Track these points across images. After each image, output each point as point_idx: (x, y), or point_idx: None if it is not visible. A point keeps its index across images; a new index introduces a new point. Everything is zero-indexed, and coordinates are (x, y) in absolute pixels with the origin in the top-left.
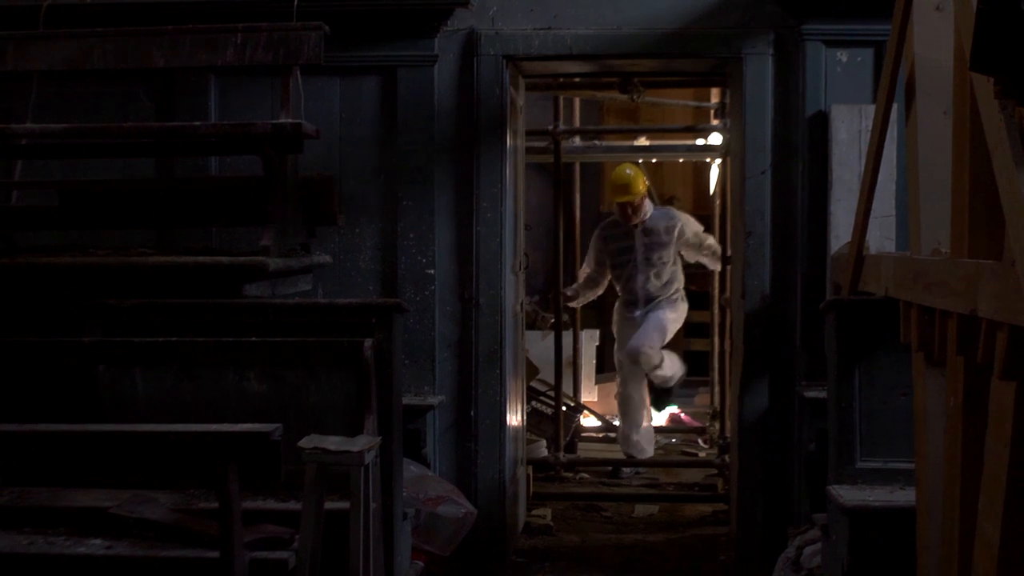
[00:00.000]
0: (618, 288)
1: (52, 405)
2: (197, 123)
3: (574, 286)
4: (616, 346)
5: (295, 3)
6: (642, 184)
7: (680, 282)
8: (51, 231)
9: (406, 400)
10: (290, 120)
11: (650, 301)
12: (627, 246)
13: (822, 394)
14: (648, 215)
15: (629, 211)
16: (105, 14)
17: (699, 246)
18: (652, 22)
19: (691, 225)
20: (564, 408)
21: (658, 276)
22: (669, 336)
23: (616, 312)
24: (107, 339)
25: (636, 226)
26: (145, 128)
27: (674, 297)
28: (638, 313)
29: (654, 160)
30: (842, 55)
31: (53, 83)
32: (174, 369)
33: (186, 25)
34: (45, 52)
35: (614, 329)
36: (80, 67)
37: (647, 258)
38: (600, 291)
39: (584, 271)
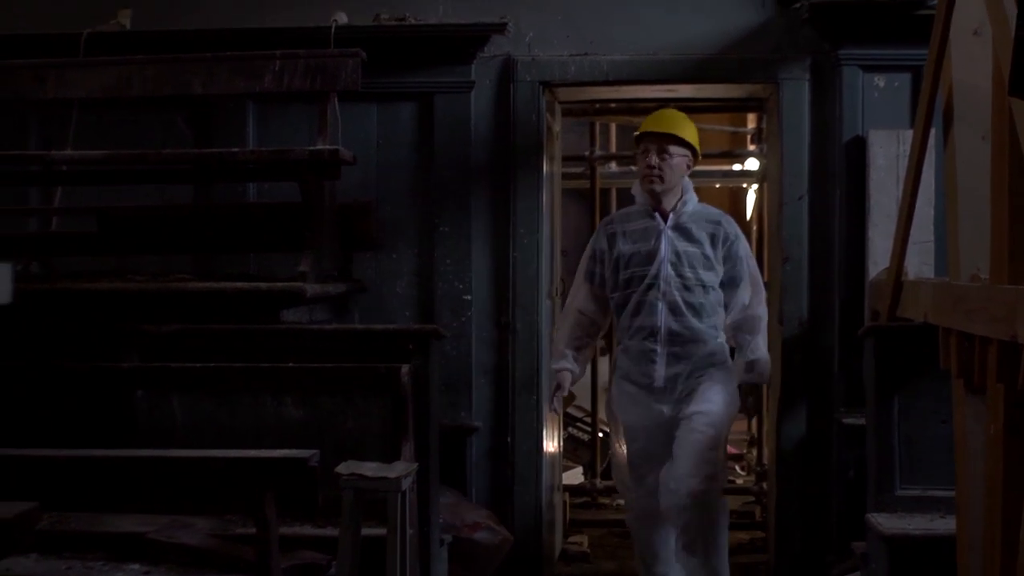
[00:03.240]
0: (619, 330)
1: (91, 430)
2: (235, 150)
3: (557, 343)
4: (613, 457)
5: (332, 30)
6: (691, 133)
7: (720, 319)
8: (90, 256)
9: (443, 426)
10: (327, 147)
11: (676, 348)
12: (645, 249)
13: (861, 421)
14: (687, 203)
15: (656, 164)
16: (144, 42)
17: (743, 305)
18: (688, 48)
19: (745, 249)
20: (600, 434)
21: (691, 305)
22: (725, 436)
23: (614, 384)
24: (145, 364)
25: (661, 209)
26: (184, 155)
27: (714, 351)
28: (658, 380)
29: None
30: (879, 80)
31: (93, 110)
32: (212, 395)
33: (224, 52)
34: (85, 80)
35: (611, 412)
36: (120, 95)
37: (676, 271)
38: (596, 340)
39: (568, 315)
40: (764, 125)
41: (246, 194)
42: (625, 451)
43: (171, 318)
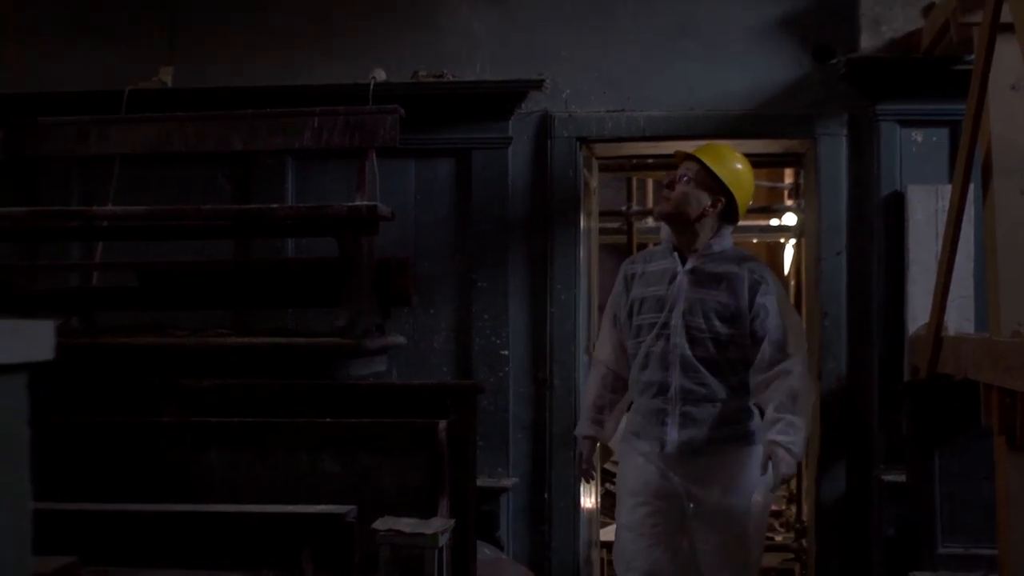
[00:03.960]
0: (631, 384)
1: (129, 484)
2: (274, 206)
3: (584, 402)
4: (615, 551)
5: (371, 87)
6: (727, 171)
7: (745, 397)
8: (130, 311)
9: (480, 482)
10: (366, 203)
11: (690, 408)
12: (658, 293)
13: (901, 478)
14: (714, 244)
15: (671, 184)
16: (185, 99)
17: (767, 365)
18: (725, 103)
19: (776, 301)
20: None
21: (703, 360)
22: (759, 537)
23: (622, 443)
24: (184, 419)
25: (682, 248)
26: (223, 211)
27: (738, 417)
28: (669, 446)
29: None
30: (917, 135)
31: (134, 166)
32: (249, 449)
33: (264, 109)
34: (127, 136)
35: (619, 475)
36: (161, 151)
37: (687, 320)
38: (624, 396)
39: (593, 370)
40: (802, 180)
41: (285, 249)
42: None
43: (210, 373)
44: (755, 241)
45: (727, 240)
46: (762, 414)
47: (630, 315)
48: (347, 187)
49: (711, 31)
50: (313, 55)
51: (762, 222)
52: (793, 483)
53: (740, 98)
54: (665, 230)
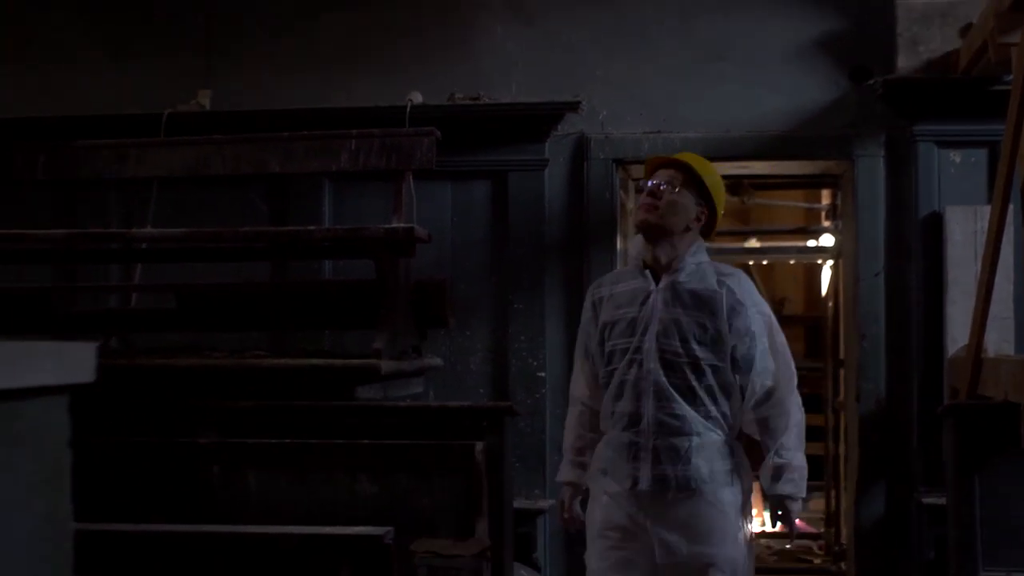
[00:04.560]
0: (603, 417)
1: (167, 505)
2: (311, 228)
3: (566, 451)
4: None
5: (408, 109)
6: (712, 181)
7: (729, 409)
8: (168, 332)
9: (517, 504)
10: (402, 224)
11: (664, 441)
12: (630, 315)
13: (941, 500)
14: (690, 260)
15: (660, 191)
16: (223, 122)
17: (762, 392)
18: (761, 125)
19: (763, 320)
20: None
21: (679, 388)
22: None
23: (591, 480)
24: (222, 440)
25: (656, 266)
26: (261, 233)
27: (718, 451)
28: (642, 482)
29: (764, 262)
30: (955, 156)
31: (172, 188)
32: (287, 471)
33: (301, 132)
34: (165, 159)
35: (587, 516)
36: (199, 173)
37: (662, 344)
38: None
39: (571, 408)
40: (839, 201)
41: (322, 271)
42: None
43: (247, 394)
44: (792, 262)
45: (704, 254)
46: (746, 449)
47: (601, 342)
48: (384, 209)
49: (747, 53)
50: (349, 78)
51: (799, 243)
52: (832, 505)
53: (777, 119)
54: (635, 246)
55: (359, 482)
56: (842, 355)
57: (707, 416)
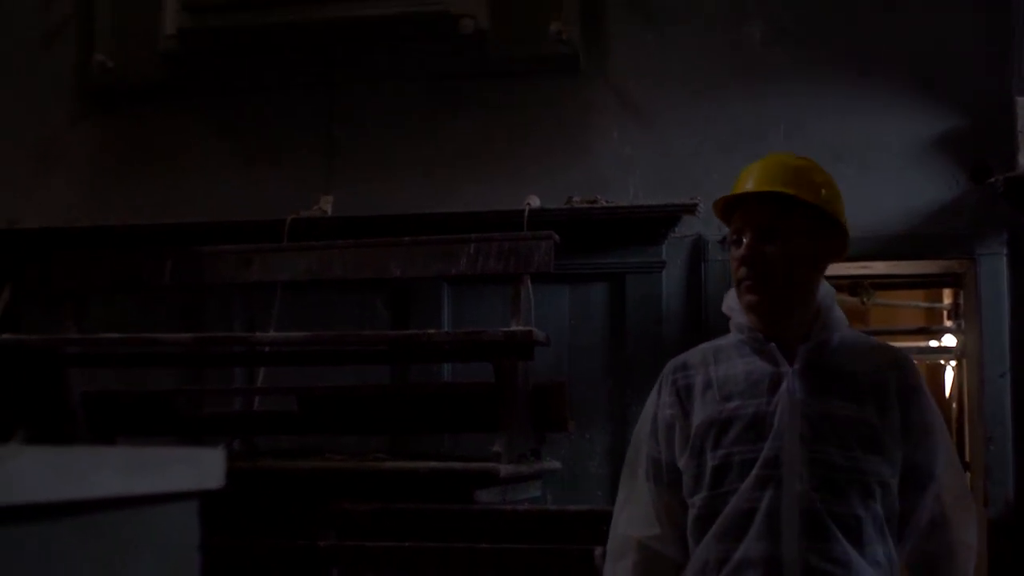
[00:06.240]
0: (696, 568)
1: None
2: (431, 331)
3: None
4: None
5: (526, 213)
6: (829, 192)
7: (894, 547)
8: (290, 435)
9: None
10: (521, 328)
11: None
12: (750, 409)
13: None
14: (830, 327)
15: (750, 255)
16: (345, 226)
17: (934, 521)
18: (880, 224)
19: (937, 415)
20: None
21: (843, 518)
22: None
23: None
24: (341, 543)
25: (780, 338)
26: (381, 336)
27: None
28: None
29: None
30: None
31: (295, 291)
32: (407, 574)
33: (421, 236)
34: (288, 263)
35: None
36: (321, 277)
37: (815, 453)
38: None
39: (621, 553)
40: (961, 301)
41: (441, 374)
42: None
43: (367, 497)
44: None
45: (840, 314)
46: None
47: (699, 452)
48: (502, 311)
49: (863, 153)
50: (467, 181)
51: (921, 343)
52: None
53: (896, 219)
54: (737, 312)
55: None
56: (968, 458)
57: (874, 562)
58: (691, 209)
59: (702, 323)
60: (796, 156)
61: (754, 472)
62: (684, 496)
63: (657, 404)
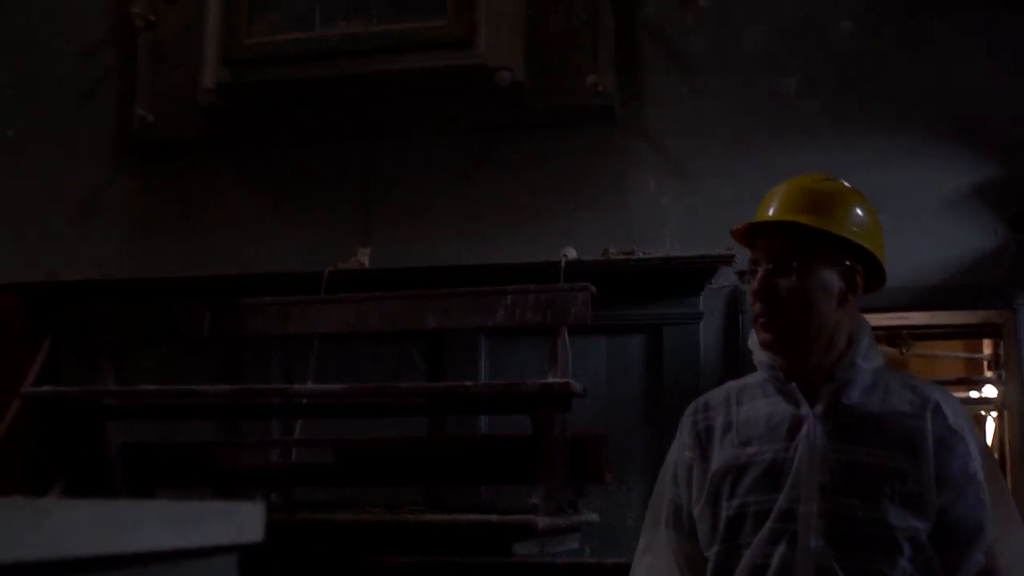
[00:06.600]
0: None
1: None
2: (468, 383)
3: None
4: None
5: (562, 265)
6: (860, 212)
7: None
8: (327, 487)
9: None
10: (558, 380)
11: None
12: (768, 456)
13: None
14: (858, 365)
15: (763, 289)
16: (382, 278)
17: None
18: (918, 276)
19: (984, 461)
20: None
21: (856, 565)
22: None
23: None
24: None
25: (803, 379)
26: (419, 388)
27: None
28: None
29: None
30: None
31: (332, 344)
32: None
33: (457, 288)
34: (326, 316)
35: None
36: (358, 329)
37: (835, 505)
38: None
39: None
40: (1001, 351)
41: (478, 425)
42: None
43: (405, 549)
44: None
45: (876, 351)
46: None
47: (714, 500)
48: (539, 363)
49: (900, 204)
50: (504, 233)
51: (961, 394)
52: None
53: (933, 270)
54: (758, 349)
55: None
56: None
57: None
58: (727, 260)
59: (740, 374)
60: (826, 177)
61: (768, 525)
62: (693, 540)
63: (677, 444)
